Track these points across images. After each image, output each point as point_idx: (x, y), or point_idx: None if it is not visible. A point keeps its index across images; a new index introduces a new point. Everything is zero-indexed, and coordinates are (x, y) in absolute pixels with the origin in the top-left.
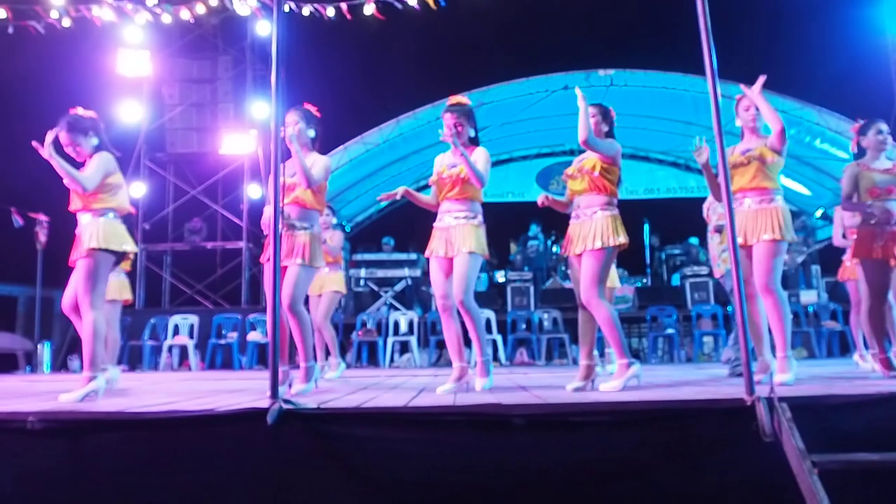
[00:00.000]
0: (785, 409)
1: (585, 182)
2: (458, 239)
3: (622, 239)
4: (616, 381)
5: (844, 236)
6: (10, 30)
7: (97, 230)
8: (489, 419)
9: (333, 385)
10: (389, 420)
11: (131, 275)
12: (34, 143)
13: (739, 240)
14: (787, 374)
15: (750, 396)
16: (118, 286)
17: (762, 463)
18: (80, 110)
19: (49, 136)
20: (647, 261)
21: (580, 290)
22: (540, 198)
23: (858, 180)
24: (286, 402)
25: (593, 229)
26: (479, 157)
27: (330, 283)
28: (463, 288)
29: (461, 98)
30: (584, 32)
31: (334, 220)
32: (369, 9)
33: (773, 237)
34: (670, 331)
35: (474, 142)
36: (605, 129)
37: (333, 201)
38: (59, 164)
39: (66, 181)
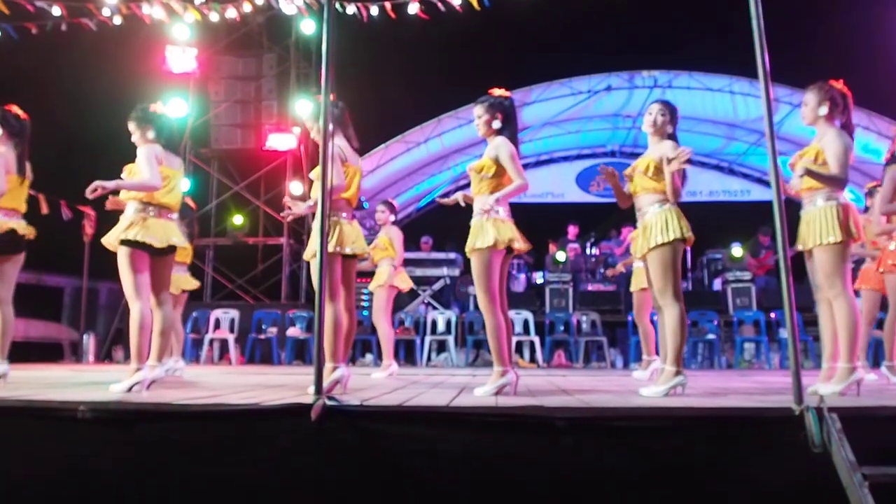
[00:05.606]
0: (835, 419)
1: (638, 183)
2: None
3: (675, 234)
4: (659, 386)
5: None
6: (64, 27)
7: (117, 226)
8: (531, 421)
9: (374, 382)
10: (432, 419)
11: None
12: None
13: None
14: (836, 384)
15: (798, 406)
16: (175, 279)
17: (810, 474)
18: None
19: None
20: (689, 265)
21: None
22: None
23: None
24: (330, 398)
25: (651, 228)
26: (495, 149)
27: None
28: (476, 290)
29: (496, 90)
30: (628, 33)
31: (392, 217)
32: (413, 8)
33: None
34: (711, 336)
35: (499, 132)
36: (670, 129)
37: (373, 199)
38: (120, 186)
39: (137, 194)
